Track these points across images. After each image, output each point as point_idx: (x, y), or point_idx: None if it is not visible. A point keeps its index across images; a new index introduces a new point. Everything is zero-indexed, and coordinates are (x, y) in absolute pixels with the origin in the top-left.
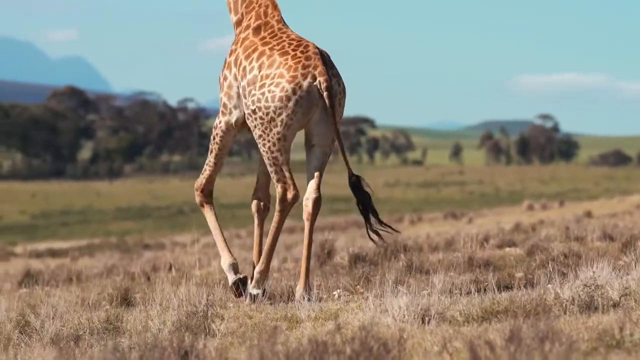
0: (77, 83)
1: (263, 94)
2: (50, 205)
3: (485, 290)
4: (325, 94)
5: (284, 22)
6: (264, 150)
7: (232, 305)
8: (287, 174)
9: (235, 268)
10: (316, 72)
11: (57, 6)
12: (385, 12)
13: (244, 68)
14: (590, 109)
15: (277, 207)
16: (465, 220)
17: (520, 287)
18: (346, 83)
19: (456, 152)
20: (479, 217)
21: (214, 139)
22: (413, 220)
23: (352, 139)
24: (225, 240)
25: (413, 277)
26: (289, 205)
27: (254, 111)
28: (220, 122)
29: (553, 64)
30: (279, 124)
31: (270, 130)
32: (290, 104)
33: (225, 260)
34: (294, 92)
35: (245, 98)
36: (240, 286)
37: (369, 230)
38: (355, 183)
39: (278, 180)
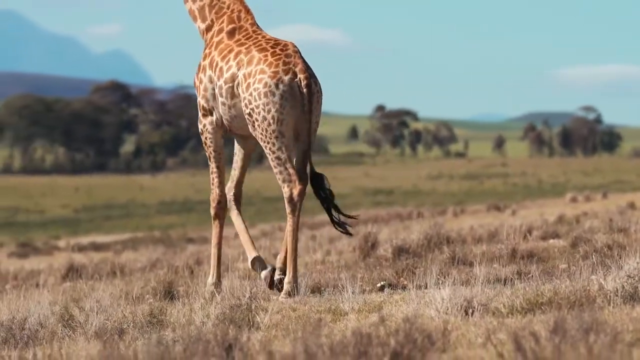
0: (120, 77)
1: (251, 94)
2: (94, 199)
3: (529, 281)
4: (305, 90)
5: (258, 25)
6: (266, 152)
7: (276, 298)
8: (291, 171)
9: (218, 289)
10: (297, 69)
11: (98, 1)
12: (428, 4)
13: (221, 69)
14: (633, 101)
15: (288, 209)
16: (508, 212)
17: (564, 278)
18: (389, 76)
19: (499, 144)
20: (522, 209)
21: (206, 144)
22: (456, 212)
23: (394, 131)
24: (220, 259)
25: (456, 269)
26: (298, 203)
27: (249, 114)
28: (204, 126)
29: (596, 55)
30: (271, 121)
31: (266, 130)
32: (276, 99)
33: (210, 282)
34: (276, 86)
35: (222, 97)
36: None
37: (335, 225)
38: (318, 181)
39: (284, 181)
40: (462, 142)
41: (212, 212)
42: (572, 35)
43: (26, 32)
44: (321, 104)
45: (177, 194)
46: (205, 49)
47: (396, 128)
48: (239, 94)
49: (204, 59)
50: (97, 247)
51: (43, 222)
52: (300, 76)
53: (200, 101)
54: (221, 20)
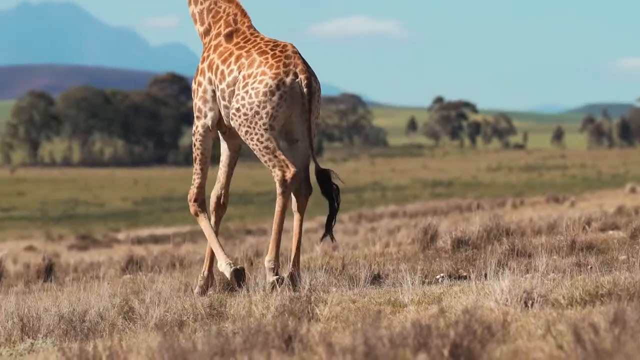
0: (178, 69)
1: (247, 92)
2: (152, 191)
3: (588, 273)
4: (305, 90)
5: (255, 28)
6: (253, 145)
7: (335, 289)
8: (281, 157)
9: (230, 265)
10: (297, 70)
11: None
12: None
13: (222, 72)
14: None
15: (279, 190)
16: (567, 203)
17: (623, 270)
18: (448, 68)
19: (558, 135)
20: (581, 201)
21: (195, 145)
22: (515, 204)
23: (453, 123)
24: (221, 245)
25: (516, 260)
26: (290, 185)
27: (237, 109)
28: (197, 127)
29: None
30: (264, 116)
31: (256, 123)
32: (275, 98)
33: (221, 262)
34: (277, 87)
35: (224, 100)
36: (239, 277)
37: (326, 230)
38: (325, 175)
39: (274, 166)
40: (521, 133)
41: (192, 210)
42: (631, 26)
43: (86, 25)
44: (320, 102)
45: (235, 186)
46: (203, 52)
47: (455, 120)
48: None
49: (202, 62)
50: (156, 239)
51: (102, 214)
52: (301, 76)
53: (197, 103)
54: (218, 24)
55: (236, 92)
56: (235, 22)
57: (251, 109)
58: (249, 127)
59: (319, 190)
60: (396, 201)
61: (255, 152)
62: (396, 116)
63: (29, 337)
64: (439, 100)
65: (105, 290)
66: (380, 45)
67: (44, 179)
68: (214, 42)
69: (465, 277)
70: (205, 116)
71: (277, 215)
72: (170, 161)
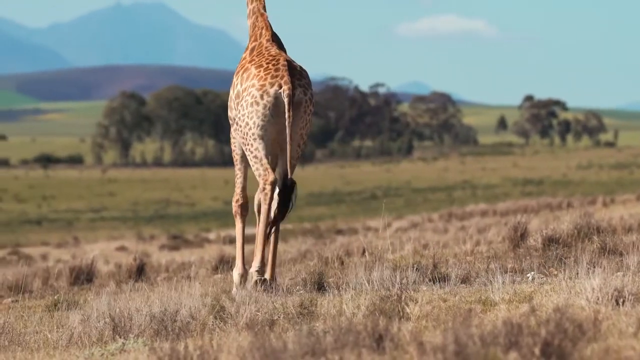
0: None
1: (240, 104)
2: None
3: None
4: (286, 99)
5: (273, 40)
6: (247, 154)
7: (425, 288)
8: (265, 165)
9: (243, 280)
10: (282, 81)
11: None
12: None
13: (234, 84)
14: None
15: (261, 197)
16: None
17: None
18: (538, 66)
19: None
20: None
21: (234, 149)
22: (606, 202)
23: (543, 121)
24: (243, 253)
25: (607, 258)
26: (270, 191)
27: (235, 121)
28: (232, 133)
29: None
30: (252, 126)
31: (246, 133)
32: (260, 108)
33: (236, 270)
34: (261, 97)
35: (235, 109)
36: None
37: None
38: (289, 187)
39: (259, 175)
40: (612, 131)
41: (233, 210)
42: None
43: (177, 25)
44: (309, 113)
45: (326, 185)
46: (238, 65)
47: (545, 118)
48: None
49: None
50: (247, 238)
51: (194, 214)
52: (284, 87)
53: (228, 111)
54: (253, 37)
55: (234, 101)
56: (260, 35)
57: (243, 119)
58: (243, 137)
59: (408, 192)
60: (486, 200)
61: (249, 161)
62: (486, 115)
63: (120, 337)
64: (529, 98)
65: (197, 290)
66: (470, 43)
67: (135, 179)
68: (244, 54)
69: (556, 276)
70: (235, 123)
71: (263, 221)
72: None
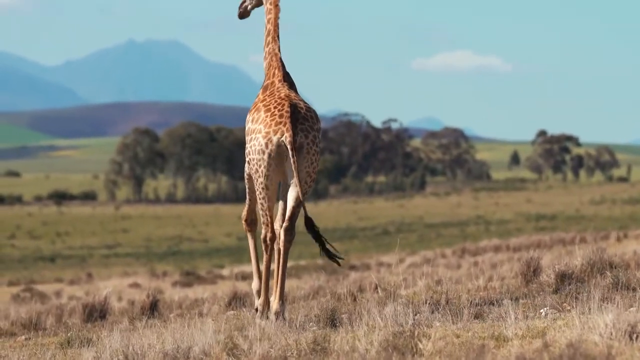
0: None
1: (251, 146)
2: None
3: None
4: (288, 146)
5: (284, 80)
6: (257, 197)
7: (439, 324)
8: (269, 218)
9: (259, 295)
10: (284, 129)
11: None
12: (585, 29)
13: (247, 120)
14: None
15: (262, 247)
16: None
17: None
18: (550, 101)
19: None
20: None
21: (245, 180)
22: (619, 237)
23: (556, 156)
24: (259, 266)
25: (620, 293)
26: (270, 242)
27: (248, 162)
28: (247, 163)
29: None
30: (260, 174)
31: (256, 180)
32: (265, 157)
33: (255, 285)
34: (266, 145)
35: (248, 145)
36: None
37: (328, 257)
38: (309, 223)
39: (263, 223)
40: (625, 166)
41: (243, 227)
42: None
43: (190, 62)
44: (313, 153)
45: (339, 221)
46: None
47: (558, 153)
48: None
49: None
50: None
51: (207, 250)
52: (286, 134)
53: (245, 145)
54: (267, 76)
55: (249, 142)
56: (273, 75)
57: (253, 165)
58: (255, 180)
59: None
60: (499, 235)
61: (257, 204)
62: (499, 150)
63: None
64: (542, 133)
65: (209, 327)
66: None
67: (149, 216)
68: (258, 92)
69: (569, 311)
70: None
71: (264, 267)
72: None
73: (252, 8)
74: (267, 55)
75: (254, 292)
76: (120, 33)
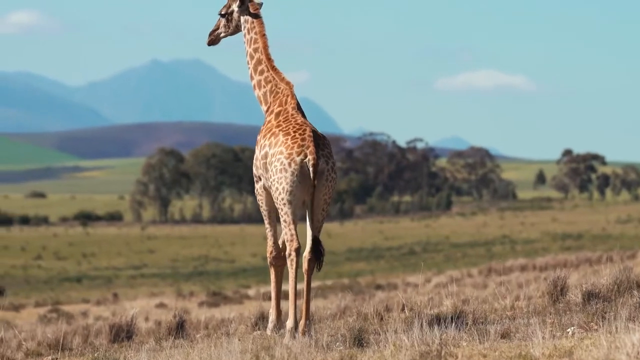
0: None
1: (271, 169)
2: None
3: None
4: (311, 169)
5: (297, 109)
6: (280, 215)
7: (465, 344)
8: (292, 232)
9: (276, 329)
10: (307, 151)
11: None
12: (609, 48)
13: (262, 145)
14: None
15: (287, 262)
16: None
17: None
18: (576, 120)
19: None
20: None
21: (261, 205)
22: None
23: (582, 175)
24: (279, 302)
25: None
26: (295, 257)
27: (269, 186)
28: (257, 190)
29: None
30: (281, 191)
31: (277, 197)
32: (288, 175)
33: (271, 319)
34: (289, 164)
35: (262, 169)
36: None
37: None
38: (317, 242)
39: (287, 240)
40: None
41: (268, 261)
42: None
43: (214, 82)
44: (332, 180)
45: (365, 240)
46: (262, 126)
47: (584, 172)
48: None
49: (259, 134)
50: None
51: (233, 270)
52: (309, 157)
53: (253, 168)
54: (275, 103)
55: (267, 166)
56: (286, 102)
57: (274, 184)
58: (276, 199)
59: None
60: (526, 254)
61: (281, 222)
62: (525, 169)
63: None
64: (568, 152)
65: (236, 347)
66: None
67: (174, 236)
68: (268, 118)
69: (596, 330)
70: (259, 180)
71: (290, 281)
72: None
73: (226, 36)
74: (263, 83)
75: (270, 327)
76: (144, 53)
